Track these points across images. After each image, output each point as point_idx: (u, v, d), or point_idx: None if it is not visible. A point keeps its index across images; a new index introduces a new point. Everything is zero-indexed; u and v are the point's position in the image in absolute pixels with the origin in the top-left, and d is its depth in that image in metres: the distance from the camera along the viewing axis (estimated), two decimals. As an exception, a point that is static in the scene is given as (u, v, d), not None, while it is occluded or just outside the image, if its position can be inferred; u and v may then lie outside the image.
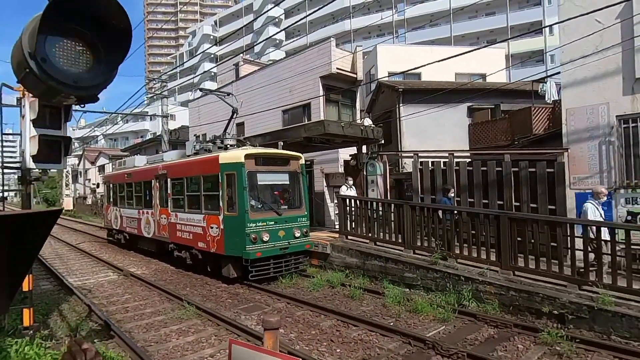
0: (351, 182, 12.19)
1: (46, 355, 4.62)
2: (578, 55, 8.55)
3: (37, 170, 4.87)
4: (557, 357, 5.50)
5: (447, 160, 10.83)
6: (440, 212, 8.96)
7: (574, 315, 6.37)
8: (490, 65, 20.39)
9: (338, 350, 5.87)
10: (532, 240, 7.32)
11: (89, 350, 3.05)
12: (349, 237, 10.74)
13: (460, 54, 9.51)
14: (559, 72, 10.08)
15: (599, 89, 8.50)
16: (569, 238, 6.86)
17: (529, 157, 9.85)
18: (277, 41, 58.15)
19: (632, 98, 8.13)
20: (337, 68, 15.22)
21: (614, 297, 6.22)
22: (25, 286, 5.14)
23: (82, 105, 2.68)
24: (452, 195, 10.18)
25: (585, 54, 8.50)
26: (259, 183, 9.92)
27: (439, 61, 10.78)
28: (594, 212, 7.37)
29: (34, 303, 7.98)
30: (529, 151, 10.64)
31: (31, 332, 5.14)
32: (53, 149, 4.71)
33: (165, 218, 12.30)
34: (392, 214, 9.84)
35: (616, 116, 8.33)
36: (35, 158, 4.57)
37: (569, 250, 6.89)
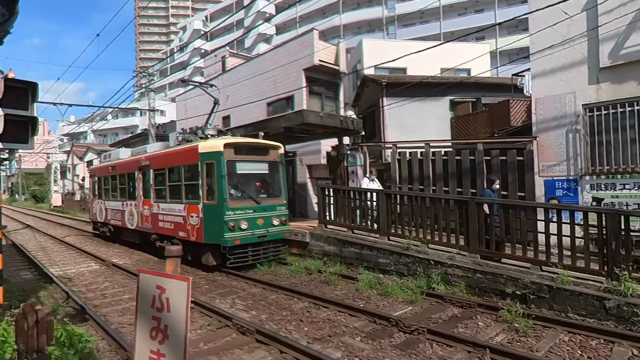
0: (374, 176, 11.72)
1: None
2: (547, 46, 8.78)
3: (5, 150, 4.98)
4: (514, 333, 5.73)
5: (423, 150, 11.05)
6: (485, 207, 7.88)
7: (535, 295, 6.62)
8: (476, 60, 20.65)
9: (305, 329, 6.06)
10: (498, 225, 7.56)
11: (41, 310, 3.22)
12: (328, 226, 10.92)
13: (435, 46, 9.68)
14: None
15: (566, 78, 8.75)
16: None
17: (500, 145, 10.09)
18: (268, 36, 58.10)
19: (597, 87, 8.39)
20: (320, 60, 15.36)
21: (572, 277, 6.48)
22: (-5, 265, 5.23)
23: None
24: (497, 187, 9.01)
25: (553, 44, 8.73)
26: (237, 172, 10.03)
27: (419, 52, 11.01)
28: None
29: (12, 289, 8.15)
30: (500, 140, 10.88)
31: (1, 310, 5.25)
32: (20, 129, 4.81)
33: (148, 209, 12.39)
34: (369, 203, 10.04)
35: (582, 105, 8.59)
36: (1, 137, 4.68)
37: (532, 234, 7.13)
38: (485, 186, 9.00)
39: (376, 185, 11.53)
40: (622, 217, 6.08)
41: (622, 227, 6.05)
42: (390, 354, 5.10)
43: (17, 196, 63.28)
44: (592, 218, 6.54)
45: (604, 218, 6.28)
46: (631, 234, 6.03)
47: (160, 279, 1.68)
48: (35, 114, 4.81)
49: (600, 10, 8.06)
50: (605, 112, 8.29)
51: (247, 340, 5.60)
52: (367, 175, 11.79)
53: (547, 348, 5.20)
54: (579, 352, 5.08)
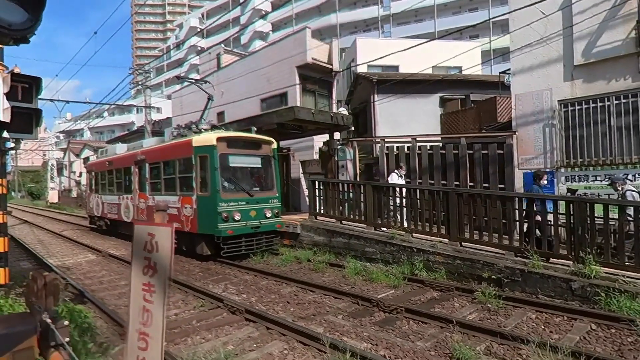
0: (403, 172, 10.91)
1: (20, 307, 5.12)
2: (525, 44, 9.20)
3: (11, 140, 5.36)
4: (486, 312, 6.16)
5: (410, 145, 11.46)
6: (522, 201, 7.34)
7: (509, 279, 7.04)
8: (467, 58, 21.09)
9: (292, 309, 6.46)
10: (476, 215, 7.98)
11: (48, 276, 3.66)
12: (318, 218, 11.32)
13: (421, 43, 10.08)
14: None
15: (543, 75, 9.18)
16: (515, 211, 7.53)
17: (482, 140, 10.51)
18: (264, 33, 58.38)
19: (571, 84, 8.82)
20: (313, 58, 15.72)
21: (543, 261, 6.91)
22: (1, 248, 5.61)
23: (17, 45, 3.23)
24: (545, 182, 8.17)
25: (531, 43, 9.16)
26: (230, 165, 10.39)
27: (406, 49, 11.39)
28: None
29: (13, 276, 8.48)
30: (482, 134, 11.31)
31: (7, 289, 5.63)
32: (25, 120, 5.18)
33: (143, 202, 12.74)
34: (357, 194, 10.44)
35: (558, 101, 9.02)
36: (8, 128, 5.05)
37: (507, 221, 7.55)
38: (533, 182, 8.08)
39: (403, 181, 10.75)
40: (588, 205, 6.51)
41: (588, 214, 6.49)
42: (369, 330, 5.50)
43: (13, 193, 63.29)
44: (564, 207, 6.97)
45: (571, 206, 6.70)
46: (596, 220, 6.45)
47: (150, 227, 2.07)
48: (38, 107, 5.18)
49: (574, 10, 8.48)
50: (579, 107, 8.73)
51: (237, 319, 6.00)
52: (396, 170, 10.95)
53: (514, 324, 5.62)
54: (543, 327, 5.51)
